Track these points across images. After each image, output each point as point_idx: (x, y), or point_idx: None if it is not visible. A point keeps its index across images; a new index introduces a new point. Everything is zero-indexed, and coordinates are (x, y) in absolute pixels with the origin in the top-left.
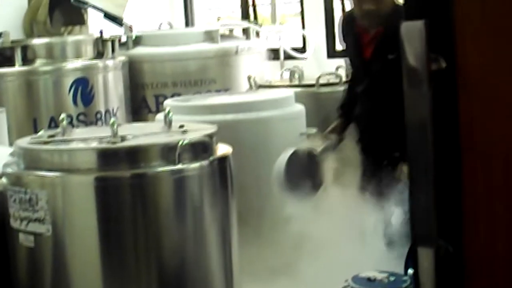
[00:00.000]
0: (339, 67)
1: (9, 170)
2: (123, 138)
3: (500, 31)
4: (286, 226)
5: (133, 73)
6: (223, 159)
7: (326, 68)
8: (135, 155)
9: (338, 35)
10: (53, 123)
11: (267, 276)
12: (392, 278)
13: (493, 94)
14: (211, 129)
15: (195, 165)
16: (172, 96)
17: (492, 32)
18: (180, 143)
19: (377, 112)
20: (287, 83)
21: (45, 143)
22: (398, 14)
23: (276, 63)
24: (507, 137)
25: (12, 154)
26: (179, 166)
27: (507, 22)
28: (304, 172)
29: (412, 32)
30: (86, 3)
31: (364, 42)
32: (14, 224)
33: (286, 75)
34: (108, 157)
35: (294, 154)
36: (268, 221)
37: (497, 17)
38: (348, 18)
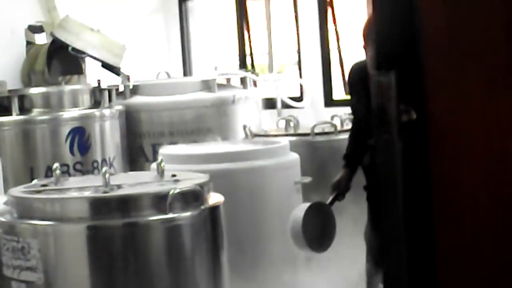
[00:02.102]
0: (334, 116)
1: (2, 219)
2: (114, 187)
3: (470, 82)
4: (280, 275)
5: (130, 122)
6: (215, 208)
7: (323, 117)
8: (126, 204)
9: (344, 86)
10: (50, 172)
11: None
12: None
13: (464, 145)
14: (203, 178)
15: (186, 214)
16: (170, 144)
17: (461, 82)
18: (171, 192)
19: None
20: (283, 132)
21: (38, 192)
22: None
23: (274, 112)
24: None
25: (6, 203)
26: (170, 215)
27: (477, 73)
28: (320, 226)
29: (382, 83)
30: (83, 53)
31: None
32: (7, 272)
33: (282, 124)
34: (99, 206)
35: (309, 209)
36: (262, 270)
37: (467, 68)
38: (359, 69)
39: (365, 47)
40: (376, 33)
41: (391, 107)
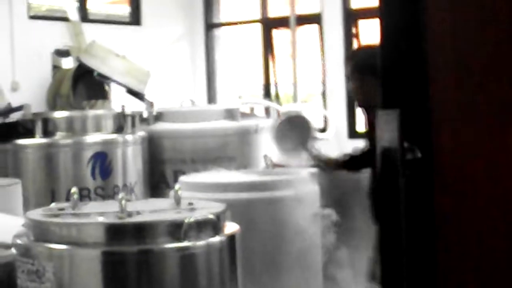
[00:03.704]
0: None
1: (18, 241)
2: (130, 214)
3: (477, 122)
4: None
5: (153, 149)
6: (230, 238)
7: (347, 148)
8: (142, 231)
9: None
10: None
11: None
12: None
13: (469, 186)
14: (219, 207)
15: (202, 242)
16: (191, 172)
17: (469, 122)
18: (187, 220)
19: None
20: (305, 162)
21: (55, 216)
22: None
23: None
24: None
25: (23, 226)
26: (185, 243)
27: (486, 113)
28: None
29: (387, 121)
30: (109, 78)
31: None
32: None
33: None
34: (114, 232)
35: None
36: None
37: (475, 108)
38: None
39: (348, 76)
40: (382, 70)
41: (396, 145)
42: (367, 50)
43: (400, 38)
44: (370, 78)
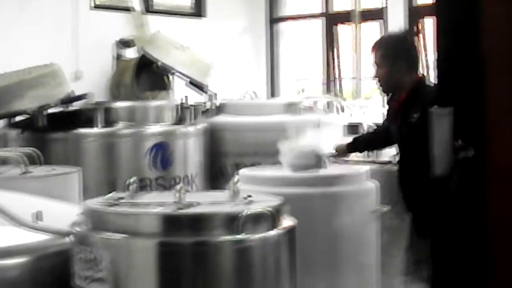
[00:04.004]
0: None
1: (76, 229)
2: (187, 205)
3: None
4: None
5: (214, 141)
6: (287, 232)
7: None
8: (198, 222)
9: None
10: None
11: None
12: None
13: None
14: (277, 201)
15: (258, 236)
16: (252, 165)
17: None
18: (243, 213)
19: (411, 173)
20: (363, 159)
21: (113, 205)
22: (419, 87)
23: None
24: None
25: (81, 214)
26: (241, 236)
27: None
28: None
29: (440, 118)
30: (171, 69)
31: (397, 112)
32: (77, 282)
33: None
34: (170, 223)
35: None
36: None
37: None
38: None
39: (376, 63)
40: (439, 68)
41: (448, 142)
42: (396, 37)
43: (456, 36)
44: (401, 63)
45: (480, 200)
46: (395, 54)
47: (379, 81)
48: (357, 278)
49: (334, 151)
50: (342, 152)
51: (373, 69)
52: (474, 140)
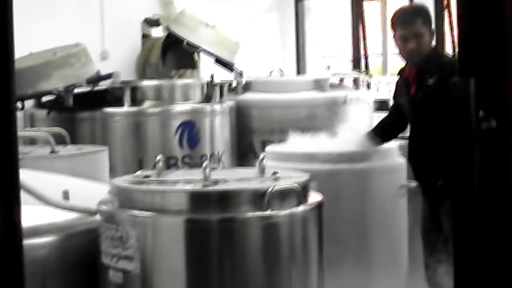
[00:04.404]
0: None
1: (103, 207)
2: (214, 182)
3: None
4: (381, 279)
5: (241, 118)
6: (314, 208)
7: None
8: (225, 199)
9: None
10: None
11: None
12: None
13: None
14: (303, 177)
15: (285, 212)
16: (279, 142)
17: None
18: (270, 189)
19: (423, 140)
20: None
21: (140, 183)
22: (435, 54)
23: (385, 115)
24: None
25: (109, 192)
26: (268, 212)
27: None
28: None
29: (462, 89)
30: (198, 48)
31: (410, 81)
32: (105, 260)
33: None
34: (197, 200)
35: None
36: (363, 273)
37: None
38: (401, 70)
39: (395, 37)
40: (460, 38)
41: (470, 114)
42: (415, 7)
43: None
44: (427, 30)
45: (503, 172)
46: (431, 21)
47: (413, 52)
48: (387, 254)
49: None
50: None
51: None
52: (497, 111)
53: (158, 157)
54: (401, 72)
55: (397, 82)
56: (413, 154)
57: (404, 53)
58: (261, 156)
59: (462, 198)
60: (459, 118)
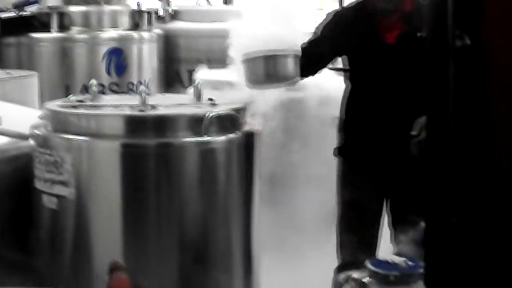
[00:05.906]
0: None
1: (37, 131)
2: (151, 107)
3: None
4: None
5: (168, 47)
6: (251, 135)
7: None
8: (162, 124)
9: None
10: (85, 90)
11: (291, 254)
12: (410, 263)
13: None
14: (240, 104)
15: (222, 138)
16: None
17: None
18: (208, 115)
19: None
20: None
21: (74, 107)
22: None
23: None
24: None
25: (41, 117)
26: (205, 138)
27: None
28: None
29: (437, 7)
30: None
31: (383, 27)
32: (39, 185)
33: None
34: (135, 124)
35: None
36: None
37: None
38: (357, 9)
39: None
40: None
41: (446, 32)
42: None
43: None
44: None
45: (478, 89)
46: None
47: None
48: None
49: None
50: None
51: None
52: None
53: (92, 81)
54: (357, 12)
55: (347, 15)
56: (380, 111)
57: None
58: (197, 81)
59: (436, 119)
60: (435, 36)
